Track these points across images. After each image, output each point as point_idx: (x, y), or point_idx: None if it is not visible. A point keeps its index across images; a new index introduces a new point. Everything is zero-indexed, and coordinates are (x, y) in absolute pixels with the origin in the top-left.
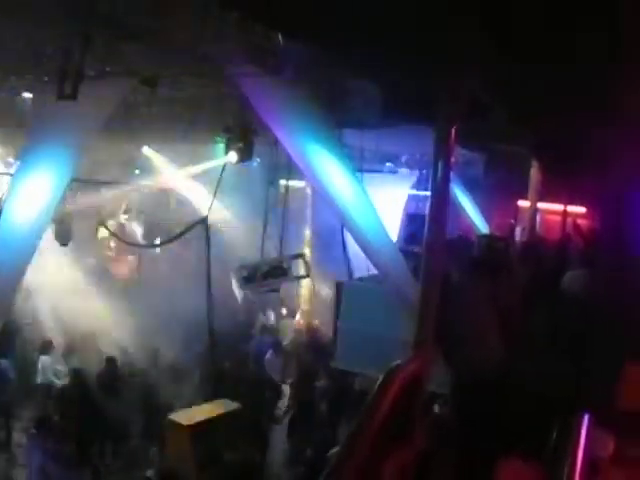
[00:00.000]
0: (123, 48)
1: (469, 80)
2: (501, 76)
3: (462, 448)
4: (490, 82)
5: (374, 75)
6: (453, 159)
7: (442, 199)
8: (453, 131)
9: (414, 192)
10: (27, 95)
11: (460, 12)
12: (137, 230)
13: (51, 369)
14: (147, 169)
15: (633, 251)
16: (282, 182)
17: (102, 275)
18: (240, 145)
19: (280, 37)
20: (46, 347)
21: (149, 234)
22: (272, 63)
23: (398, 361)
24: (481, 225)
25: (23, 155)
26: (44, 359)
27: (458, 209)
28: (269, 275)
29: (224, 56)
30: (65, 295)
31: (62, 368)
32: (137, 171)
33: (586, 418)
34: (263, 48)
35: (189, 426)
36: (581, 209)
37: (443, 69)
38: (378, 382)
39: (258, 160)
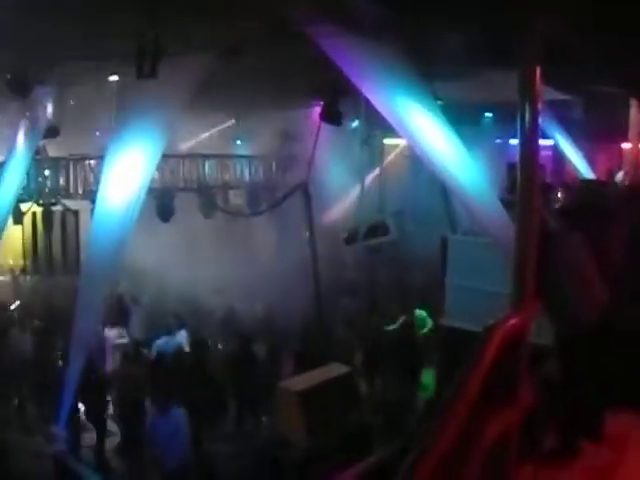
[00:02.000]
0: (198, 21)
1: (553, 20)
2: (592, 18)
3: (569, 403)
4: (581, 24)
5: (458, 22)
6: (549, 102)
7: (531, 146)
8: (538, 72)
9: (515, 141)
10: (113, 78)
11: None
12: (240, 198)
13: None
14: (247, 139)
15: None
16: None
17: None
18: (334, 108)
19: None
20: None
21: (252, 202)
22: (353, 21)
23: (497, 317)
24: (584, 170)
25: (113, 136)
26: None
27: (560, 155)
28: (371, 234)
29: (303, 18)
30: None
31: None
32: (238, 142)
33: None
34: (343, 7)
35: (299, 392)
36: None
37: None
38: (477, 339)
39: (356, 121)
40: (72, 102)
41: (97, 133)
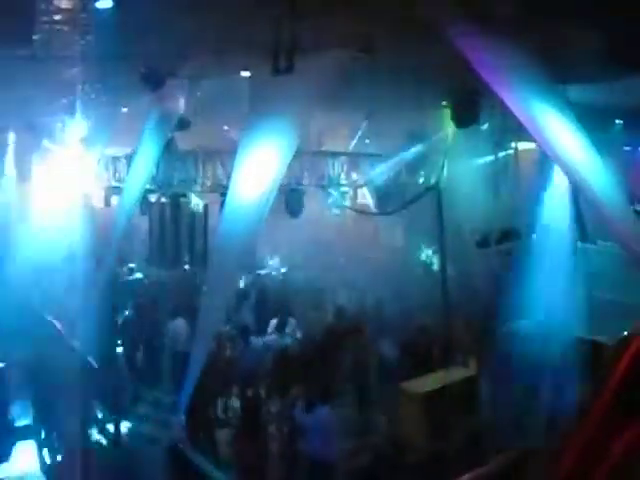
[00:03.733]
0: (335, 17)
1: None
2: None
3: None
4: None
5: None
6: None
7: None
8: None
9: None
10: (245, 74)
11: None
12: (370, 198)
13: None
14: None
15: None
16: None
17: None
18: (465, 109)
19: None
20: None
21: (382, 201)
22: (489, 20)
23: (629, 330)
24: None
25: (245, 131)
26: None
27: None
28: (503, 238)
29: (441, 18)
30: None
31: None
32: (367, 140)
33: None
34: (483, 7)
35: (422, 394)
36: None
37: None
38: (610, 351)
39: (487, 124)
40: (201, 95)
41: (225, 127)
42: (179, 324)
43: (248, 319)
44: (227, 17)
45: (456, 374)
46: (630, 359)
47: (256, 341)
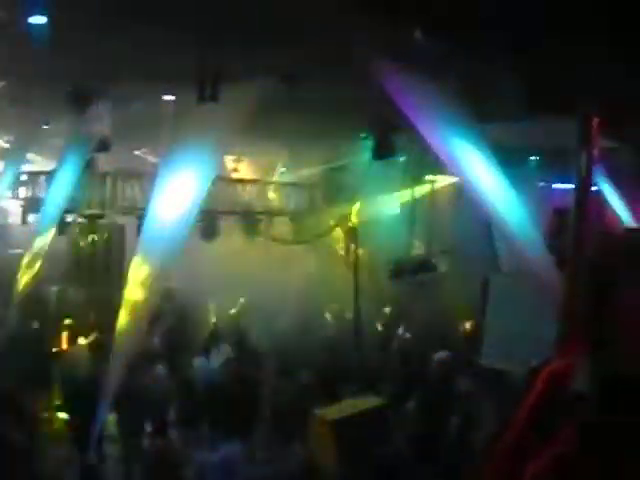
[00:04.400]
0: (261, 48)
1: (612, 72)
2: None
3: (607, 452)
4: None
5: (516, 68)
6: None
7: (586, 192)
8: (596, 123)
9: (560, 185)
10: (169, 97)
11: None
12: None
13: None
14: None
15: None
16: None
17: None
18: (383, 142)
19: (419, 32)
20: None
21: (296, 230)
22: (414, 59)
23: (540, 360)
24: (627, 218)
25: (167, 155)
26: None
27: (602, 201)
28: (417, 270)
29: (365, 53)
30: None
31: None
32: (283, 169)
33: None
34: (405, 44)
35: (333, 421)
36: None
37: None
38: (521, 382)
39: (403, 157)
40: (123, 117)
41: (144, 150)
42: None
43: (161, 344)
44: (156, 42)
45: (369, 402)
46: (541, 389)
47: (161, 370)
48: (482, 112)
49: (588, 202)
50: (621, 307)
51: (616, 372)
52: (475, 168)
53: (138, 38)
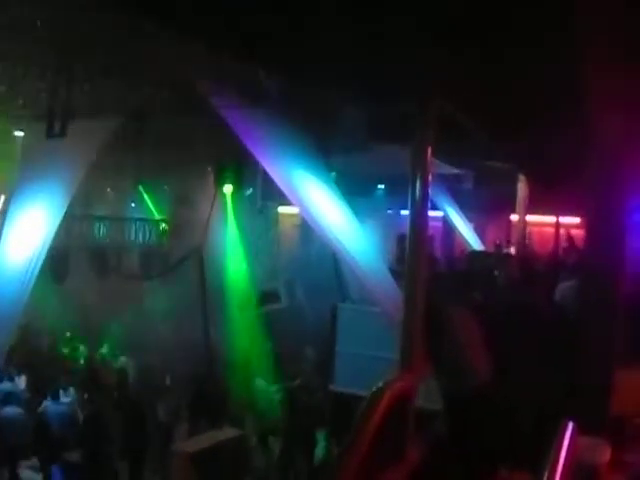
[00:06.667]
0: (108, 84)
1: (443, 104)
2: (478, 99)
3: (454, 464)
4: (468, 105)
5: (357, 102)
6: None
7: (421, 218)
8: (429, 151)
9: (406, 212)
10: (18, 134)
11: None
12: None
13: None
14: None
15: (621, 261)
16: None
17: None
18: (230, 175)
19: (262, 71)
20: None
21: (146, 265)
22: (255, 94)
23: (384, 381)
24: (473, 241)
25: (15, 192)
26: None
27: (450, 226)
28: (263, 301)
29: (208, 89)
30: None
31: None
32: (132, 204)
33: (570, 425)
34: (246, 80)
35: (191, 454)
36: (575, 219)
37: (418, 95)
38: (365, 402)
39: (250, 189)
40: None
41: None
42: None
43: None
44: (3, 76)
45: (225, 434)
46: (385, 406)
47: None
48: (326, 142)
49: (423, 227)
50: (454, 325)
51: (459, 387)
52: (317, 199)
53: None
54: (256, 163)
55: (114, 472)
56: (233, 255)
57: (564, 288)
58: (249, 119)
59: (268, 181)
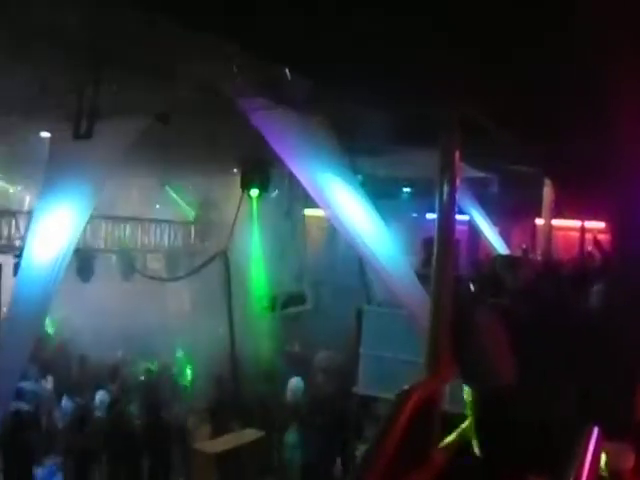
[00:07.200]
0: (135, 86)
1: (468, 108)
2: (504, 103)
3: (479, 468)
4: (492, 108)
5: (382, 105)
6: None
7: (449, 222)
8: (457, 155)
9: (431, 216)
10: (45, 135)
11: (458, 45)
12: (158, 263)
13: None
14: (167, 203)
15: None
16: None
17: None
18: (255, 178)
19: (288, 71)
20: None
21: (171, 267)
22: (282, 96)
23: (410, 384)
24: (499, 245)
25: (42, 193)
26: None
27: (475, 230)
28: (289, 303)
29: (235, 90)
30: None
31: None
32: (157, 206)
33: (595, 430)
34: (273, 82)
35: (215, 455)
36: (600, 224)
37: (445, 98)
38: (391, 405)
39: (276, 191)
40: None
41: (19, 188)
42: None
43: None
44: (32, 78)
45: (248, 436)
46: (411, 410)
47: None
48: (353, 145)
49: (450, 231)
50: (480, 327)
51: (483, 389)
52: (344, 202)
53: (13, 74)
54: (283, 165)
55: (138, 470)
56: (258, 257)
57: (595, 291)
58: (276, 121)
59: (294, 184)
